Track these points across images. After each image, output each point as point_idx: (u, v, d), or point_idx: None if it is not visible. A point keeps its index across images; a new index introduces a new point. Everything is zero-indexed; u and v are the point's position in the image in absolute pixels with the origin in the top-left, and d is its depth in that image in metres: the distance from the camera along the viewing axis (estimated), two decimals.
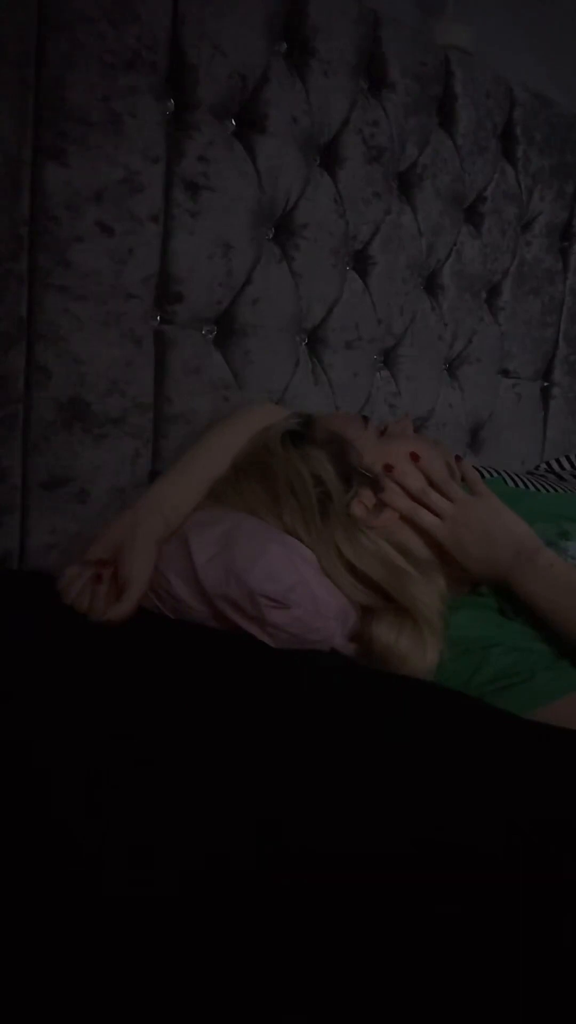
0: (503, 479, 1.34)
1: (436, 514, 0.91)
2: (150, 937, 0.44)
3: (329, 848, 0.51)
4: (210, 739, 0.62)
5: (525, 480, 1.39)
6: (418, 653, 0.80)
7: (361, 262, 1.25)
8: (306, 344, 1.20)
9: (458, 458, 0.97)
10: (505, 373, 1.58)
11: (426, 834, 0.52)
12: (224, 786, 0.56)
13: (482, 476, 1.00)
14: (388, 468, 0.92)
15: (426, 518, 0.90)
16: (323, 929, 0.45)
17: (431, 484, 0.91)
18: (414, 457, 0.92)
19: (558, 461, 1.58)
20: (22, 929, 0.44)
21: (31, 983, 0.42)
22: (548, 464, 1.59)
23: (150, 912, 0.45)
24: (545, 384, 1.69)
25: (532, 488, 1.35)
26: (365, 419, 0.98)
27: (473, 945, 0.44)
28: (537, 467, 1.62)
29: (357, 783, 0.57)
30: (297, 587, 0.78)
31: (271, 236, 1.12)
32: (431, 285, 1.38)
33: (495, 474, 1.35)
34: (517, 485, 1.35)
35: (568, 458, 1.59)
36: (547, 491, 1.35)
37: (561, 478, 1.51)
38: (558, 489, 1.38)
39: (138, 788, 0.55)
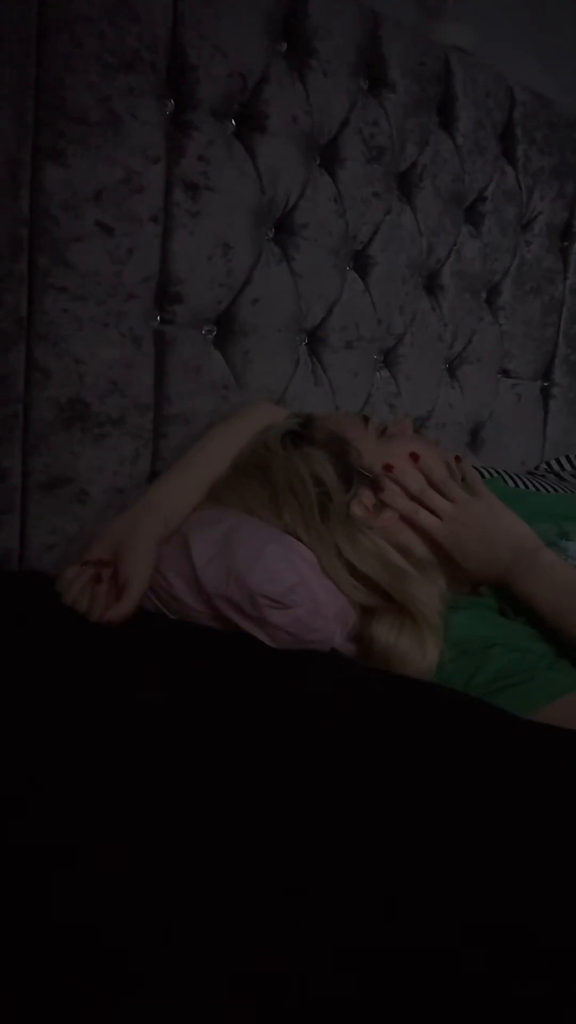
0: (503, 479, 1.34)
1: (436, 514, 0.91)
2: (135, 955, 0.44)
3: (328, 859, 0.51)
4: (210, 741, 0.62)
5: (525, 480, 1.39)
6: (418, 653, 0.80)
7: (361, 262, 1.24)
8: (306, 344, 1.20)
9: (458, 458, 0.97)
10: (505, 373, 1.58)
11: (427, 844, 0.52)
12: (223, 793, 0.56)
13: (482, 476, 1.00)
14: (388, 468, 0.92)
15: (426, 518, 0.90)
16: (316, 930, 0.45)
17: (431, 484, 0.91)
18: (414, 457, 0.92)
19: (558, 461, 1.58)
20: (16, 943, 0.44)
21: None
22: (548, 464, 1.59)
23: (141, 920, 0.45)
24: (545, 384, 1.69)
25: (532, 488, 1.36)
26: (365, 419, 0.98)
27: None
28: (537, 467, 1.62)
29: (358, 789, 0.57)
30: (297, 587, 0.78)
31: (271, 236, 1.11)
32: (431, 285, 1.38)
33: (495, 474, 1.35)
34: (517, 485, 1.35)
35: (568, 458, 1.59)
36: (547, 491, 1.35)
37: (561, 478, 1.51)
38: (558, 489, 1.38)
39: (136, 793, 0.55)
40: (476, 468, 1.04)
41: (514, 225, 1.50)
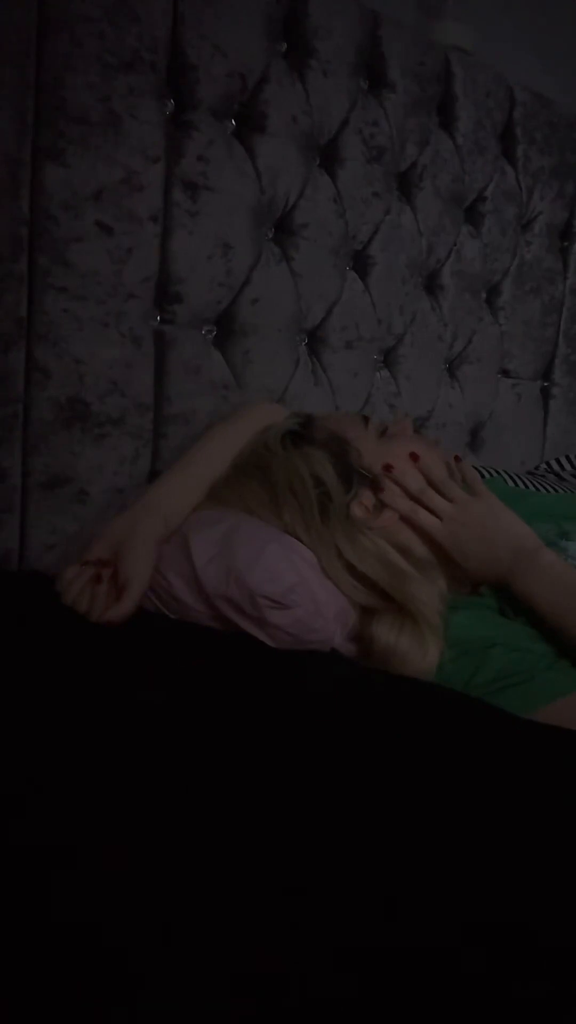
0: (503, 479, 1.34)
1: (435, 514, 0.91)
2: (131, 962, 0.44)
3: (328, 859, 0.51)
4: (210, 741, 0.62)
5: (525, 480, 1.39)
6: (418, 653, 0.80)
7: (361, 262, 1.25)
8: (306, 344, 1.20)
9: (457, 458, 0.97)
10: (505, 373, 1.58)
11: (427, 844, 0.52)
12: (223, 794, 0.56)
13: (482, 476, 1.00)
14: (388, 468, 0.92)
15: (425, 519, 0.90)
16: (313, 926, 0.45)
17: (430, 484, 0.92)
18: (414, 457, 0.92)
19: (558, 461, 1.58)
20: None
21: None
22: (548, 464, 1.59)
23: (141, 920, 0.45)
24: (545, 384, 1.69)
25: (532, 488, 1.36)
26: (365, 419, 0.98)
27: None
28: (537, 467, 1.62)
29: (358, 790, 0.57)
30: (297, 588, 0.78)
31: (271, 236, 1.11)
32: (431, 285, 1.38)
33: (495, 474, 1.35)
34: (517, 485, 1.35)
35: (568, 458, 1.59)
36: (547, 491, 1.35)
37: (561, 478, 1.51)
38: (558, 489, 1.38)
39: (136, 793, 0.55)
40: (476, 468, 1.04)
41: (514, 225, 1.50)
